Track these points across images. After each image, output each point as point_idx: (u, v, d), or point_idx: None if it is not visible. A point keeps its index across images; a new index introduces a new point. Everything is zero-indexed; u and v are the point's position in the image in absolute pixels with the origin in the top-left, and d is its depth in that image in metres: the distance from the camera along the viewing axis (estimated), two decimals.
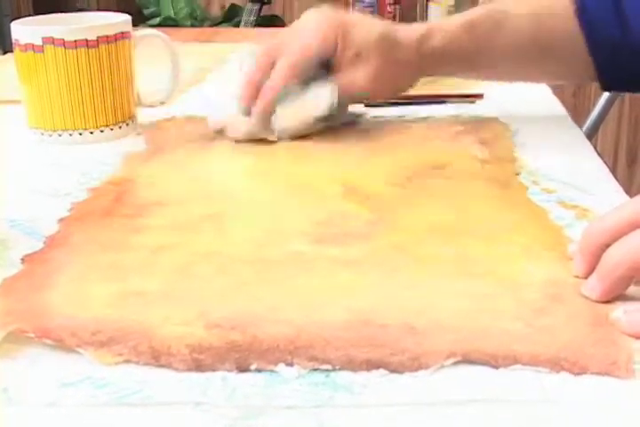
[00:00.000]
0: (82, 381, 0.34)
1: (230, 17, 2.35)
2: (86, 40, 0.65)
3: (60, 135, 0.68)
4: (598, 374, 0.34)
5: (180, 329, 0.36)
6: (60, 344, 0.36)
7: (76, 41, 0.65)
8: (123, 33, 0.68)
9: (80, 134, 0.68)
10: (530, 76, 0.76)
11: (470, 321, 0.37)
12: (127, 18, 0.70)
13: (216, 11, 2.45)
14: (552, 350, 0.35)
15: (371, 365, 0.34)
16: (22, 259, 0.45)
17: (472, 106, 0.80)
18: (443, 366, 0.34)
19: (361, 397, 0.33)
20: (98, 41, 0.66)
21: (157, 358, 0.35)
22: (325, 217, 0.50)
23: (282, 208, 0.52)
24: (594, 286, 0.40)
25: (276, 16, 2.38)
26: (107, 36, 0.66)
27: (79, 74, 0.66)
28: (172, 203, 0.53)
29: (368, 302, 0.39)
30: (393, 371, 0.34)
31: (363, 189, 0.54)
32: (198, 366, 0.35)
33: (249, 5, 2.23)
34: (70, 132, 0.67)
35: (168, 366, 0.35)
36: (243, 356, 0.35)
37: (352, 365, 0.34)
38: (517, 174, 0.58)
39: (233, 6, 2.37)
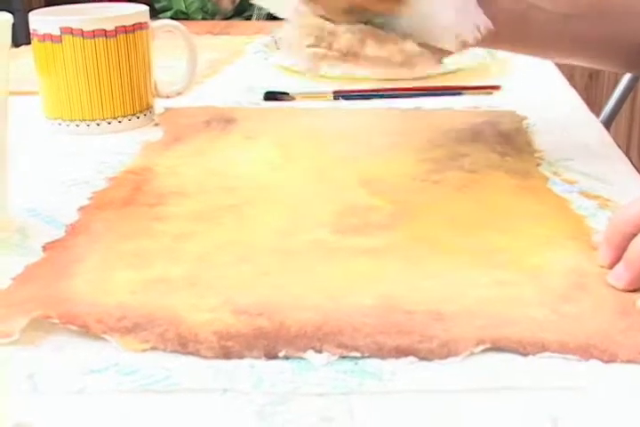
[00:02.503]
0: (108, 368, 0.34)
1: (241, 11, 2.34)
2: (104, 30, 0.65)
3: (77, 125, 0.67)
4: (628, 361, 0.34)
5: (206, 315, 0.36)
6: (86, 330, 0.35)
7: (94, 31, 0.65)
8: (140, 23, 0.68)
9: (98, 125, 0.68)
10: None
11: (497, 308, 0.37)
12: (145, 8, 0.69)
13: (227, 4, 2.45)
14: (580, 337, 0.35)
15: (400, 352, 0.34)
16: (43, 247, 0.45)
17: (489, 97, 0.80)
18: (472, 353, 0.34)
19: (390, 383, 0.33)
20: (116, 31, 0.66)
21: (185, 345, 0.35)
22: (346, 208, 0.49)
23: (302, 198, 0.52)
24: (620, 274, 0.40)
25: None
26: (124, 26, 0.66)
27: (97, 64, 0.66)
28: (193, 192, 0.53)
29: (393, 288, 0.39)
30: (422, 358, 0.34)
31: (383, 182, 0.54)
32: (226, 354, 0.34)
33: None
34: (88, 122, 0.67)
35: (196, 353, 0.35)
36: (271, 343, 0.35)
37: (381, 352, 0.34)
38: (538, 165, 0.58)
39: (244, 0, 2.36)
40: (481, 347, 0.34)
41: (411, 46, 0.55)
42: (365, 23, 0.55)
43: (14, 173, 0.51)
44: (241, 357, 0.34)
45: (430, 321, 0.35)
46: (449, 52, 0.56)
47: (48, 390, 0.33)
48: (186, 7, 2.21)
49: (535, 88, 0.84)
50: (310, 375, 0.33)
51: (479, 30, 0.53)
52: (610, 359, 0.34)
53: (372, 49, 0.55)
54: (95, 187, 0.55)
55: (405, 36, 0.55)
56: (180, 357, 0.35)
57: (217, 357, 0.34)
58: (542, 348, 0.34)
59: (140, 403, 0.32)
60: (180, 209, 0.49)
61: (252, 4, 0.57)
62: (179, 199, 0.51)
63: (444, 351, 0.34)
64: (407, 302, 0.37)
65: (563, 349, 0.34)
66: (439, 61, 0.57)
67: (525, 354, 0.34)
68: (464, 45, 0.55)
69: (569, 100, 0.81)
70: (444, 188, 0.53)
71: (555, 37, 0.60)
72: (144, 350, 0.35)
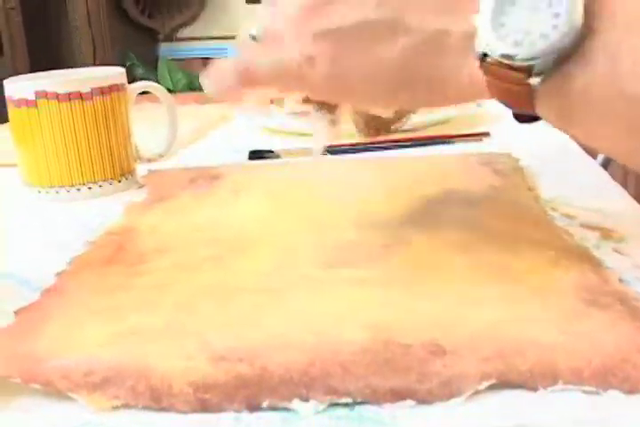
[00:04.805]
0: None
1: None
2: (80, 92, 0.64)
3: (57, 192, 0.65)
4: None
5: (181, 364, 0.32)
6: (50, 388, 0.32)
7: (69, 93, 0.63)
8: (117, 84, 0.66)
9: (78, 190, 0.65)
10: None
11: (501, 332, 0.34)
12: (121, 70, 0.68)
13: None
14: (595, 360, 0.31)
15: (396, 395, 0.31)
16: (15, 312, 0.42)
17: (479, 144, 0.78)
18: (477, 392, 0.31)
19: None
20: (92, 93, 0.64)
21: (158, 399, 0.31)
22: (335, 245, 0.47)
23: (289, 240, 0.49)
24: None
25: None
26: (101, 88, 0.65)
27: (74, 127, 0.64)
28: (175, 247, 0.50)
29: (387, 317, 0.36)
30: (421, 401, 0.31)
31: (375, 220, 0.51)
32: (204, 407, 0.31)
33: None
34: (68, 188, 0.65)
35: (170, 408, 0.31)
36: (253, 393, 0.31)
37: (375, 396, 0.31)
38: (536, 200, 0.55)
39: None
40: (486, 383, 0.31)
41: None
42: None
43: None
44: (220, 410, 0.31)
45: (428, 355, 0.32)
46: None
47: None
48: (173, 85, 2.22)
49: (526, 134, 0.82)
50: (302, 424, 0.30)
51: None
52: (631, 390, 0.30)
53: None
54: (74, 250, 0.52)
55: None
56: (158, 411, 0.31)
57: (194, 411, 0.31)
58: (554, 378, 0.31)
59: None
60: (160, 263, 0.46)
61: None
62: (160, 255, 0.48)
63: (446, 392, 0.31)
64: (402, 332, 0.34)
65: (577, 378, 0.31)
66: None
67: (535, 388, 0.31)
68: None
69: (562, 143, 0.79)
70: (439, 219, 0.50)
71: None
72: (114, 408, 0.31)
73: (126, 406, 0.32)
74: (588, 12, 0.35)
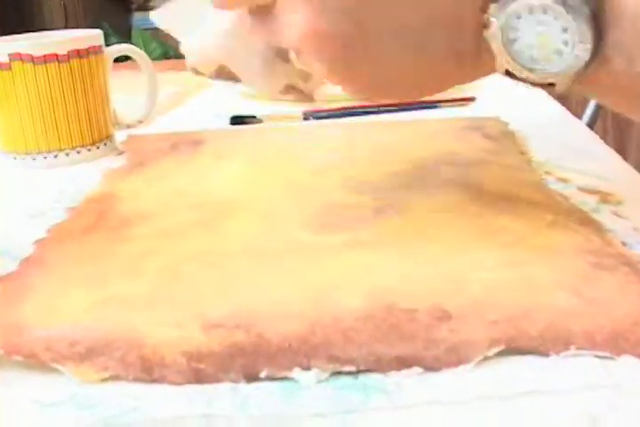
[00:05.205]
0: (64, 401, 0.29)
1: None
2: (56, 55, 0.61)
3: (34, 159, 0.63)
4: None
5: (173, 333, 0.31)
6: (34, 360, 0.30)
7: (45, 56, 0.61)
8: (94, 46, 0.64)
9: (55, 157, 0.63)
10: None
11: (510, 295, 0.32)
12: (99, 32, 0.66)
13: None
14: (607, 325, 0.30)
15: (401, 363, 0.29)
16: None
17: (465, 109, 0.77)
18: (485, 358, 0.29)
19: (398, 397, 0.28)
20: (69, 55, 0.61)
21: (149, 370, 0.30)
22: (325, 208, 0.45)
23: (277, 204, 0.47)
24: None
25: None
26: (78, 50, 0.62)
27: (50, 91, 0.61)
28: (158, 212, 0.48)
29: (387, 282, 0.34)
30: (429, 369, 0.29)
31: (364, 182, 0.49)
32: (198, 378, 0.29)
33: None
34: (45, 154, 0.63)
35: (162, 379, 0.30)
36: (249, 361, 0.30)
37: (380, 364, 0.29)
38: (529, 163, 0.54)
39: None
40: (495, 349, 0.30)
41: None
42: None
43: None
44: (216, 380, 0.29)
45: (434, 321, 0.31)
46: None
47: None
48: (148, 54, 2.19)
49: (512, 98, 0.80)
50: (303, 394, 0.29)
51: None
52: None
53: None
54: (54, 218, 0.50)
55: None
56: (149, 383, 0.30)
57: (188, 382, 0.29)
58: (566, 342, 0.29)
59: None
60: (143, 230, 0.44)
61: None
62: (143, 221, 0.46)
63: (454, 358, 0.29)
64: (405, 298, 0.32)
65: (590, 343, 0.29)
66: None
67: (547, 354, 0.29)
68: None
69: (548, 106, 0.78)
70: (432, 181, 0.49)
71: None
72: (103, 380, 0.30)
73: (116, 377, 0.30)
74: (599, 16, 0.34)
